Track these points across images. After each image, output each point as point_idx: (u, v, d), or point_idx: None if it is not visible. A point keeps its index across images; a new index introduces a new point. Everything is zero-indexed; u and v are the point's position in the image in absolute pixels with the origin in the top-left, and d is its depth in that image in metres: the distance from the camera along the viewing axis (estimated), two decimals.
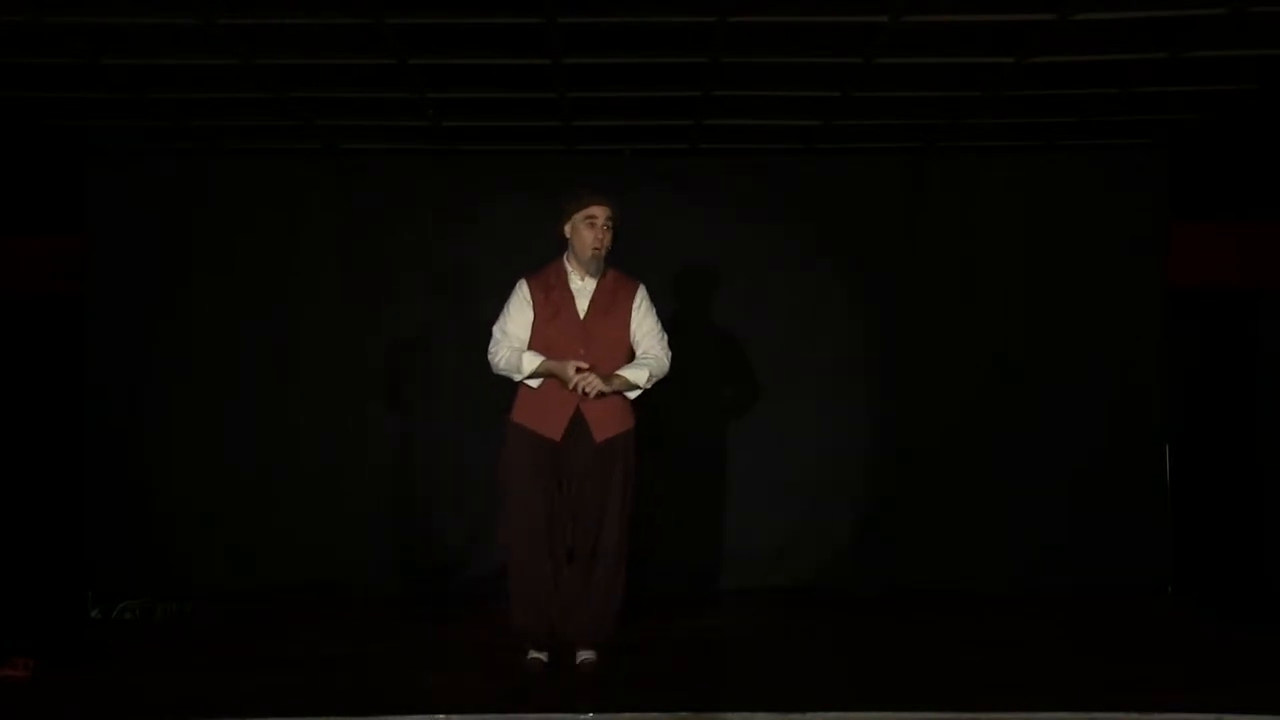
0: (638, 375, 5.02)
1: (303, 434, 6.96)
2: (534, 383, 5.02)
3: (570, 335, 5.00)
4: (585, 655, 5.09)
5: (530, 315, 5.06)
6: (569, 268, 5.11)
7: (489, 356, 5.10)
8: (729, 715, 4.46)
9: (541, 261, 5.25)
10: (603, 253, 5.03)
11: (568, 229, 5.08)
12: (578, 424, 5.00)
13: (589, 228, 5.01)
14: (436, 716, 4.49)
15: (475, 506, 6.82)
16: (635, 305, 5.11)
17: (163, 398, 6.95)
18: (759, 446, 6.98)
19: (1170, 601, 6.81)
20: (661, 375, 5.11)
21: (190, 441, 6.93)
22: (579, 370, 4.89)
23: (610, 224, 5.04)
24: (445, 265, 6.98)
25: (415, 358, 7.01)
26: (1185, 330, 7.05)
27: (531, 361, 5.00)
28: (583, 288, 5.08)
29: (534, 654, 5.09)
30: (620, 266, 5.21)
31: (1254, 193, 6.89)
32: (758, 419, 7.00)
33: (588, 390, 4.88)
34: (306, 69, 5.76)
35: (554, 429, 5.00)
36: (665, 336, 5.16)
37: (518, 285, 5.13)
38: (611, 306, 5.08)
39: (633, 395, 5.09)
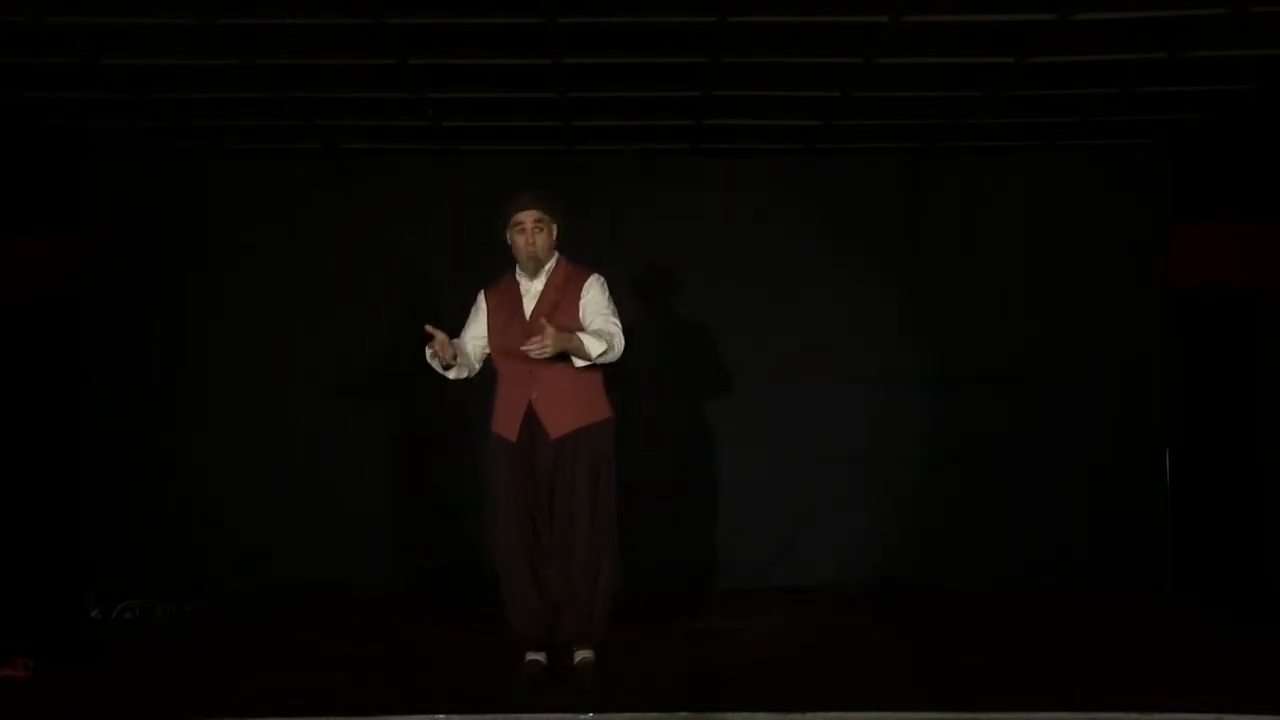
0: (592, 344, 4.83)
1: (303, 434, 6.96)
2: (451, 373, 5.08)
3: (518, 337, 4.93)
4: (582, 655, 5.07)
5: (483, 324, 5.09)
6: (518, 271, 5.10)
7: None
8: (729, 715, 4.46)
9: None
10: (537, 254, 4.99)
11: (507, 237, 5.07)
12: (532, 422, 4.97)
13: (519, 234, 5.00)
14: (436, 716, 4.49)
15: (475, 507, 6.82)
16: (583, 291, 5.02)
17: (162, 398, 6.94)
18: (758, 446, 6.97)
19: (1170, 601, 6.80)
20: (615, 357, 4.94)
21: (190, 441, 6.93)
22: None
23: (541, 225, 4.99)
24: (445, 265, 6.97)
25: (417, 357, 6.99)
26: (1185, 330, 7.05)
27: (429, 353, 5.04)
28: (531, 288, 5.05)
29: (531, 656, 5.08)
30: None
31: (1254, 193, 6.89)
32: (757, 419, 6.99)
33: (533, 352, 4.73)
34: (306, 69, 5.76)
35: (509, 429, 5.00)
36: (618, 321, 4.97)
37: (477, 296, 5.17)
38: (560, 301, 5.01)
39: (580, 363, 4.90)
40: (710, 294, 7.00)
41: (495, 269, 5.42)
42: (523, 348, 4.77)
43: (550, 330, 4.71)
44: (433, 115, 6.39)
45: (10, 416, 6.98)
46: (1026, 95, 6.14)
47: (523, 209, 5.00)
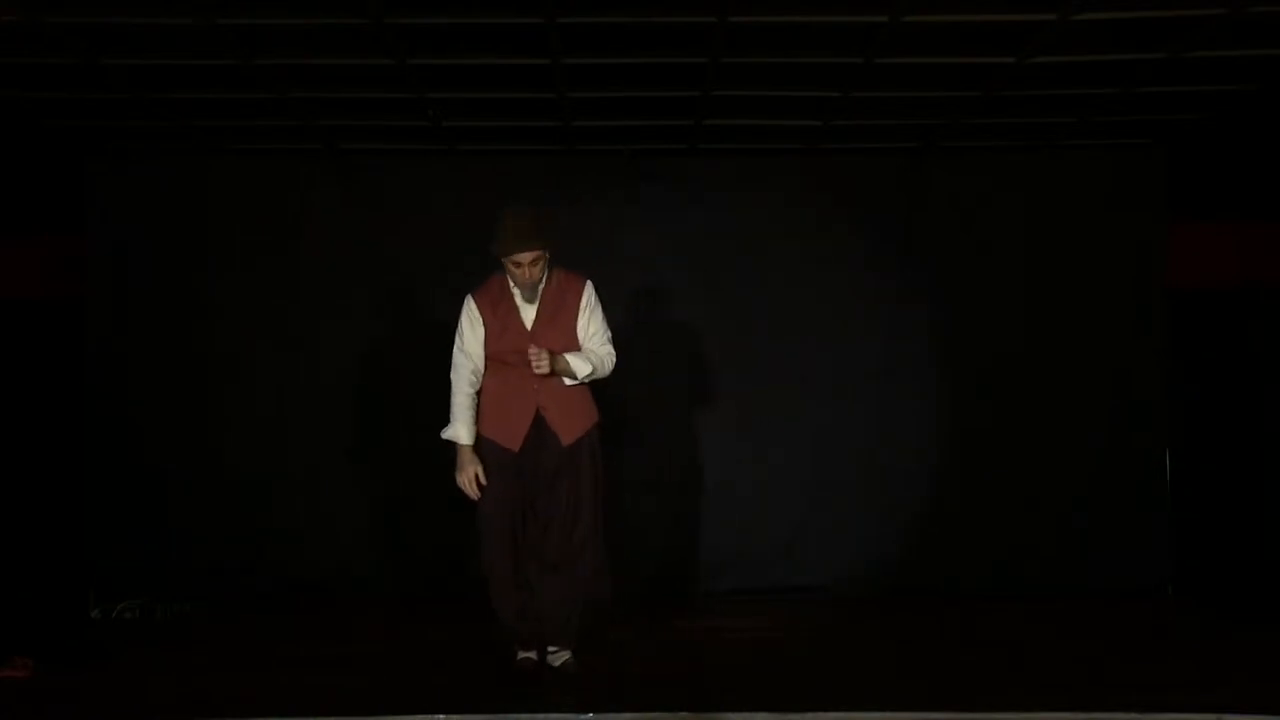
0: (580, 366, 4.91)
1: (303, 434, 6.95)
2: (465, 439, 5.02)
3: (519, 347, 4.91)
4: (564, 658, 5.07)
5: (482, 331, 4.99)
6: (512, 281, 4.98)
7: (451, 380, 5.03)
8: (729, 715, 4.46)
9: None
10: (534, 283, 4.90)
11: (502, 263, 4.95)
12: (540, 429, 4.93)
13: (515, 268, 4.89)
14: (436, 716, 4.49)
15: (475, 507, 6.81)
16: (582, 305, 5.00)
17: (162, 398, 6.94)
18: (759, 447, 6.97)
19: (1170, 601, 6.81)
20: (603, 376, 5.01)
21: (190, 442, 6.93)
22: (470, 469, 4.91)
23: (538, 260, 4.87)
24: (444, 265, 6.96)
25: (415, 357, 6.99)
26: (1185, 330, 7.06)
27: (451, 432, 4.99)
28: (528, 298, 4.99)
29: (523, 654, 5.08)
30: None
31: (1253, 193, 6.90)
32: (757, 420, 6.99)
33: (535, 367, 4.81)
34: (306, 69, 5.76)
35: (513, 439, 4.94)
36: (610, 337, 5.03)
37: (465, 303, 5.04)
38: (558, 311, 4.99)
39: (570, 382, 4.94)
40: (709, 294, 7.00)
41: (495, 268, 5.38)
42: (534, 368, 4.80)
43: (547, 352, 4.79)
44: (433, 115, 6.39)
45: (10, 417, 6.98)
46: (1026, 95, 6.14)
47: (521, 250, 4.84)
